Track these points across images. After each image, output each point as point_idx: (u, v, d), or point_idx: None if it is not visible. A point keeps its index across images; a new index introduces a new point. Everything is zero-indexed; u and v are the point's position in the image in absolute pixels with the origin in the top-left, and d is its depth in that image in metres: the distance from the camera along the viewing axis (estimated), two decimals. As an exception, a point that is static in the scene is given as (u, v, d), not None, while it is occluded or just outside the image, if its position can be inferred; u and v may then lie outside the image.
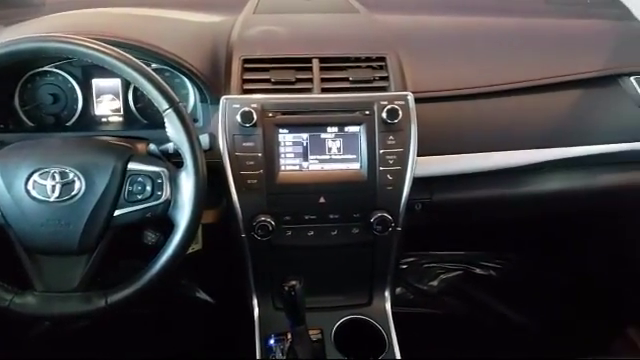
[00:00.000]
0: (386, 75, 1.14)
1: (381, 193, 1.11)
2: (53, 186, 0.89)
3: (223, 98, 1.07)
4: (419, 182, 1.14)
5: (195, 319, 1.82)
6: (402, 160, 1.09)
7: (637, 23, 1.48)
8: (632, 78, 1.26)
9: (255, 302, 1.28)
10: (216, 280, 1.82)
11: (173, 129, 0.91)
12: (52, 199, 0.89)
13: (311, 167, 1.10)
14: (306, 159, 1.10)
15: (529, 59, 1.27)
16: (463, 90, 1.18)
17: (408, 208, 1.14)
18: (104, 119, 1.21)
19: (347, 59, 1.16)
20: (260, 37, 1.22)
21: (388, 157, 1.09)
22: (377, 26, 1.31)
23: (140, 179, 0.92)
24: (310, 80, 1.12)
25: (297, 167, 1.10)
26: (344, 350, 1.20)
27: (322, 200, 1.11)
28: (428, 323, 1.89)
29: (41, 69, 1.18)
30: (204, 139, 1.00)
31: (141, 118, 1.22)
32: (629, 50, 1.33)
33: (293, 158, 1.09)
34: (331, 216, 1.14)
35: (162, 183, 0.92)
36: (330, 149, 1.10)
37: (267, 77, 1.11)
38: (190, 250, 1.00)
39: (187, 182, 0.91)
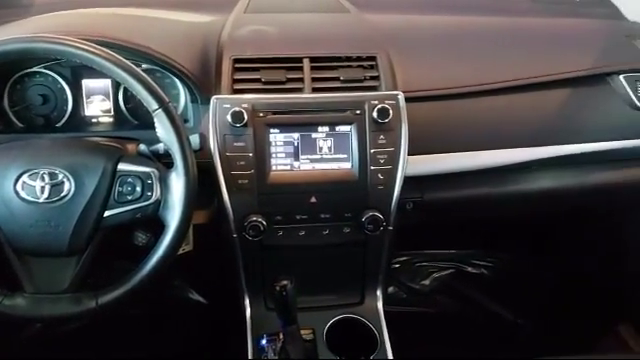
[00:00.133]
0: (377, 74, 1.14)
1: (372, 192, 1.11)
2: (42, 187, 0.88)
3: (213, 98, 1.07)
4: (410, 181, 1.14)
5: (187, 320, 1.82)
6: (393, 159, 1.10)
7: (626, 22, 1.49)
8: (621, 77, 1.27)
9: (247, 302, 1.28)
10: (208, 281, 1.81)
11: (163, 129, 0.90)
12: (41, 200, 0.88)
13: (302, 167, 1.10)
14: (297, 159, 1.09)
15: (519, 58, 1.27)
16: (453, 89, 1.19)
17: (399, 207, 1.14)
18: (94, 120, 1.21)
19: (338, 59, 1.16)
20: (251, 37, 1.22)
21: (379, 156, 1.09)
22: (367, 26, 1.31)
23: (130, 180, 0.91)
24: (301, 80, 1.12)
25: (288, 167, 1.10)
26: (336, 349, 1.20)
27: (313, 200, 1.11)
28: (420, 322, 1.90)
29: (30, 70, 1.17)
30: (194, 139, 0.99)
31: (131, 119, 1.21)
32: (618, 49, 1.34)
33: (284, 158, 1.09)
34: (322, 216, 1.14)
35: (152, 184, 0.92)
36: (321, 149, 1.10)
37: (258, 77, 1.11)
38: (181, 251, 1.00)
39: (177, 182, 0.91)
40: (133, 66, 0.91)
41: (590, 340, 1.72)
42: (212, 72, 1.13)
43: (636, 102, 1.26)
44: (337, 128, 1.09)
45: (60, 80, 1.18)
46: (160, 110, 0.90)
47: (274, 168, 1.09)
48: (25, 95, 1.17)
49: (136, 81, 0.89)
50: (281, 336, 1.15)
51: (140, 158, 0.97)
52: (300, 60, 1.14)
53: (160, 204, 0.92)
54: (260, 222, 1.09)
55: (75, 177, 0.90)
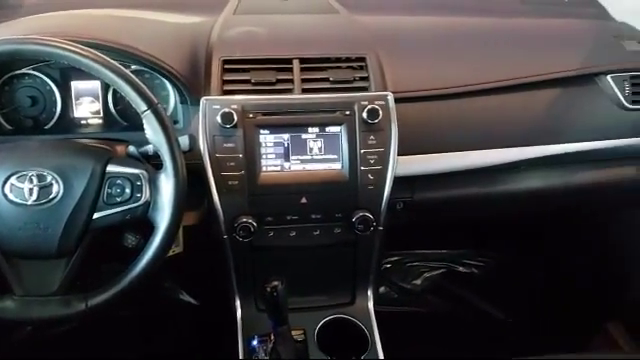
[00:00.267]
0: (366, 75, 1.14)
1: (362, 193, 1.11)
2: (31, 189, 0.88)
3: (203, 99, 1.07)
4: (400, 181, 1.14)
5: (178, 321, 1.82)
6: (383, 160, 1.10)
7: (614, 22, 1.50)
8: (609, 77, 1.28)
9: (238, 303, 1.28)
10: (199, 282, 1.81)
11: (152, 131, 0.90)
12: (30, 202, 0.88)
13: (293, 167, 1.10)
14: (287, 160, 1.10)
15: (507, 59, 1.28)
16: (443, 90, 1.19)
17: (389, 207, 1.15)
18: (83, 121, 1.20)
19: (327, 59, 1.16)
20: (240, 38, 1.22)
21: (369, 157, 1.10)
22: (357, 27, 1.32)
23: (119, 181, 0.91)
24: (291, 81, 1.12)
25: (278, 168, 1.10)
26: (327, 350, 1.20)
27: (304, 200, 1.11)
28: (411, 321, 1.90)
29: (19, 71, 1.16)
30: (184, 140, 0.99)
31: (121, 120, 1.21)
32: (606, 49, 1.35)
33: (274, 159, 1.09)
34: (313, 216, 1.14)
35: (141, 185, 0.91)
36: (311, 149, 1.10)
37: (247, 78, 1.11)
38: (171, 252, 1.00)
39: (166, 184, 0.91)
40: (122, 67, 0.91)
41: (580, 339, 1.73)
42: (202, 73, 1.13)
43: (624, 102, 1.27)
44: (327, 129, 1.10)
45: (49, 82, 1.18)
46: (149, 111, 0.90)
47: (264, 169, 1.09)
48: (13, 97, 1.17)
49: (125, 82, 0.89)
50: (272, 337, 1.15)
51: (129, 160, 0.97)
52: (290, 61, 1.14)
53: (149, 205, 0.92)
54: (250, 223, 1.09)
55: (64, 179, 0.89)
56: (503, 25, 1.43)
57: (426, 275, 2.05)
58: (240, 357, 1.20)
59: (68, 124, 1.19)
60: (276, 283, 1.01)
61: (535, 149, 1.23)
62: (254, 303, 1.28)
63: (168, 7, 1.41)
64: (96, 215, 0.91)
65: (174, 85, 1.12)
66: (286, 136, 1.09)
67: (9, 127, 1.17)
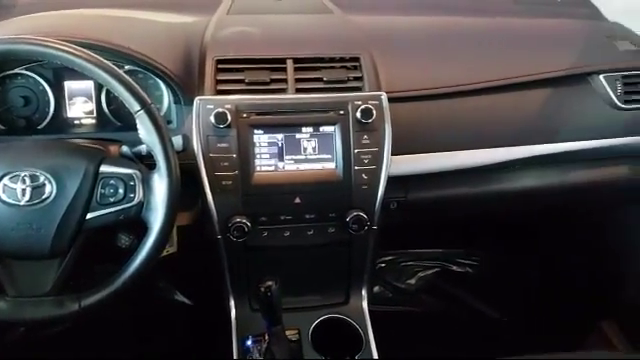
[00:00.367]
0: (360, 75, 1.14)
1: (356, 192, 1.12)
2: (23, 190, 0.88)
3: (197, 99, 1.07)
4: (394, 181, 1.15)
5: (173, 321, 1.81)
6: (377, 159, 1.10)
7: (606, 22, 1.51)
8: (601, 76, 1.29)
9: (232, 303, 1.28)
10: (193, 282, 1.81)
11: (145, 131, 0.90)
12: (23, 203, 0.88)
13: (286, 167, 1.10)
14: (281, 159, 1.10)
15: (501, 58, 1.28)
16: (436, 89, 1.19)
17: (383, 207, 1.15)
18: (77, 121, 1.20)
19: (321, 59, 1.16)
20: (234, 38, 1.21)
21: (363, 156, 1.10)
22: (351, 26, 1.32)
23: (112, 181, 0.91)
24: (284, 80, 1.12)
25: (272, 168, 1.10)
26: (321, 350, 1.20)
27: (298, 200, 1.11)
28: (406, 321, 1.91)
29: (11, 72, 1.16)
30: (177, 140, 0.99)
31: (114, 120, 1.20)
32: (598, 49, 1.35)
33: (268, 159, 1.09)
34: (307, 216, 1.14)
35: (135, 185, 0.91)
36: (305, 149, 1.10)
37: (241, 78, 1.11)
38: (165, 252, 1.00)
39: (160, 184, 0.91)
40: (115, 67, 0.90)
41: (574, 338, 1.74)
42: (195, 73, 1.13)
43: (616, 101, 1.28)
44: (321, 129, 1.10)
45: (42, 82, 1.17)
46: (142, 111, 0.89)
47: (258, 169, 1.09)
48: (6, 97, 1.16)
49: (118, 83, 0.89)
50: (266, 337, 1.15)
51: (122, 160, 0.97)
52: (284, 61, 1.14)
53: (143, 206, 0.91)
54: (244, 223, 1.09)
55: (57, 179, 0.89)
56: (496, 25, 1.43)
57: (420, 274, 2.05)
58: (234, 357, 1.19)
59: (61, 124, 1.19)
60: (270, 283, 1.01)
61: (528, 148, 1.23)
62: (248, 303, 1.28)
63: (161, 7, 1.41)
64: (89, 215, 0.90)
65: (168, 85, 1.12)
66: (280, 136, 1.09)
67: (2, 127, 1.17)
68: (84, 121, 1.20)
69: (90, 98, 1.19)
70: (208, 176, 1.06)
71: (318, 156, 1.10)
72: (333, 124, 1.09)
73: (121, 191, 0.91)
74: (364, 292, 1.31)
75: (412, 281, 2.04)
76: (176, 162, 0.91)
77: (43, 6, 1.32)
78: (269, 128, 1.09)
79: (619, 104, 1.28)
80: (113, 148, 1.01)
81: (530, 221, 1.92)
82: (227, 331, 1.25)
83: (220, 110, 1.04)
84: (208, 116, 1.05)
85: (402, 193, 1.24)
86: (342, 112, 1.09)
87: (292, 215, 1.13)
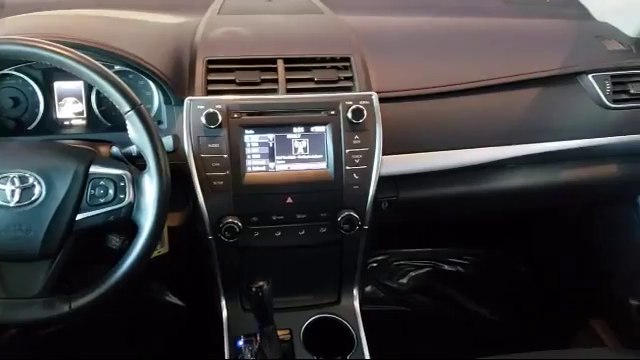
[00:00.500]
0: (351, 75, 1.15)
1: (348, 192, 1.12)
2: (12, 191, 0.87)
3: (187, 99, 1.07)
4: (385, 181, 1.15)
5: (165, 322, 1.81)
6: (368, 159, 1.10)
7: (595, 22, 1.52)
8: (590, 76, 1.29)
9: (223, 304, 1.28)
10: (185, 283, 1.81)
11: (135, 131, 0.90)
12: (12, 204, 0.87)
13: (278, 168, 1.10)
14: (273, 160, 1.10)
15: (491, 58, 1.29)
16: (427, 89, 1.20)
17: (375, 206, 1.15)
18: (66, 122, 1.19)
19: (312, 60, 1.16)
20: (224, 38, 1.21)
21: (354, 156, 1.10)
22: (341, 27, 1.32)
23: (102, 182, 0.91)
24: (275, 81, 1.12)
25: (264, 168, 1.10)
26: (313, 350, 1.21)
27: (289, 200, 1.11)
28: (398, 320, 1.91)
29: (0, 72, 1.15)
30: (168, 141, 0.99)
31: (105, 121, 1.20)
32: (587, 49, 1.36)
33: (259, 159, 1.09)
34: (298, 216, 1.14)
35: (125, 186, 0.91)
36: (296, 149, 1.10)
37: (232, 78, 1.11)
38: (156, 253, 0.99)
39: (150, 185, 0.90)
40: (104, 68, 0.90)
41: (565, 336, 1.75)
42: (186, 73, 1.12)
43: (605, 101, 1.28)
44: (312, 129, 1.10)
45: (31, 82, 1.17)
46: (132, 112, 0.89)
47: (249, 169, 1.09)
48: None
49: (108, 83, 0.88)
50: (258, 337, 1.15)
51: (112, 160, 0.96)
52: (274, 61, 1.14)
53: (133, 207, 0.91)
54: (236, 223, 1.09)
55: (46, 180, 0.88)
56: (486, 25, 1.43)
57: (412, 274, 2.06)
58: (226, 357, 1.19)
59: (51, 125, 1.18)
60: (262, 283, 1.01)
61: (518, 148, 1.24)
62: (240, 303, 1.28)
63: (152, 7, 1.40)
64: (79, 216, 0.90)
65: (158, 85, 1.12)
66: (271, 136, 1.09)
67: None
68: (74, 122, 1.19)
69: (80, 99, 1.19)
70: (199, 176, 1.06)
71: (309, 156, 1.10)
72: (324, 124, 1.09)
73: (111, 192, 0.90)
74: (356, 292, 1.32)
75: (404, 281, 2.04)
76: (166, 163, 0.91)
77: (32, 6, 1.31)
78: (260, 128, 1.08)
79: (608, 104, 1.29)
80: (103, 149, 1.01)
81: (521, 220, 1.93)
82: (219, 331, 1.25)
83: (211, 110, 1.04)
84: (199, 116, 1.04)
85: (393, 193, 1.24)
86: (333, 112, 1.09)
87: (283, 215, 1.13)
